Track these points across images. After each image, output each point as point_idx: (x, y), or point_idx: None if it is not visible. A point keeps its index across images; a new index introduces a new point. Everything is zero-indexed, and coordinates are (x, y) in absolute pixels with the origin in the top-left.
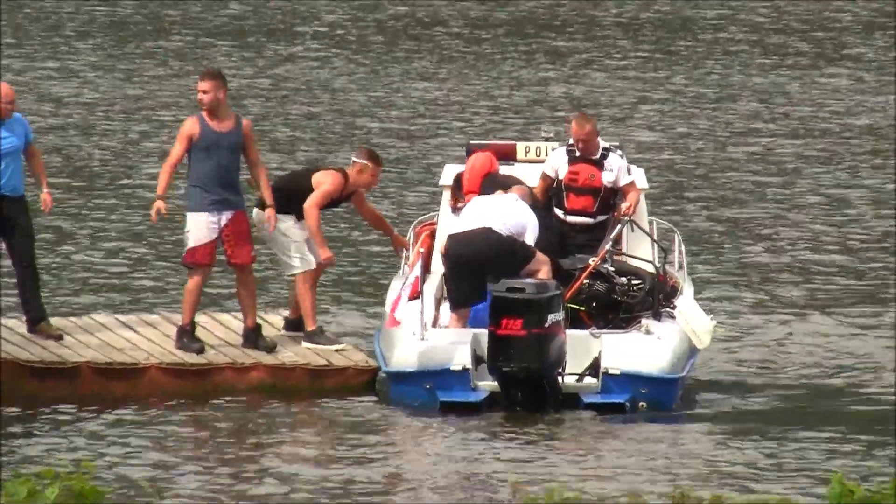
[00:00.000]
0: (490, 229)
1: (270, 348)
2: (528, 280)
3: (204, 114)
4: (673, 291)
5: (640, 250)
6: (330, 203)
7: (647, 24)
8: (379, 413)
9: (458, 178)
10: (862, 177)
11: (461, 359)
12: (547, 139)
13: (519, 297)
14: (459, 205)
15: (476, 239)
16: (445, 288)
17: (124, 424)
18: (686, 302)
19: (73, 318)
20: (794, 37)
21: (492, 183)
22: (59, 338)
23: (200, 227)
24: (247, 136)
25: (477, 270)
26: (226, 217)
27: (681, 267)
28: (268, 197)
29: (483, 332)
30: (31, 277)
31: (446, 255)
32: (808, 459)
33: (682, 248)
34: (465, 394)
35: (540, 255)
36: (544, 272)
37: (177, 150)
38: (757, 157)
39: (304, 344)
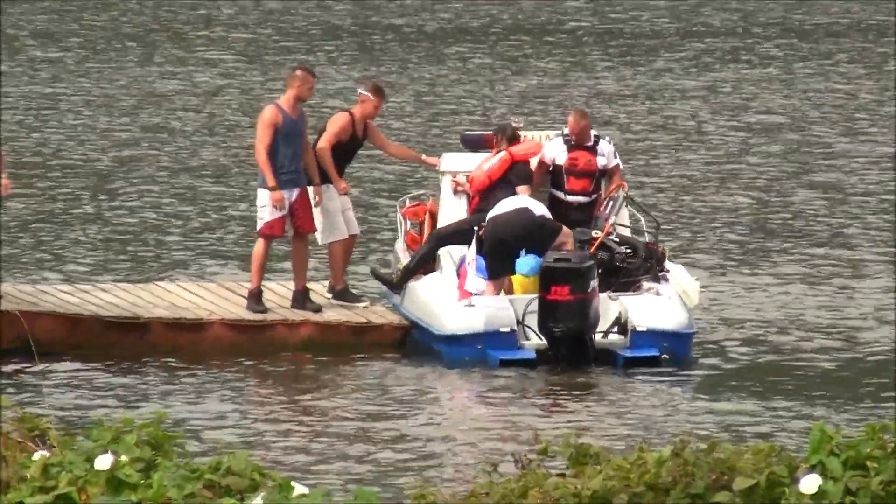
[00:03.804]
0: (527, 208)
1: (317, 309)
2: (571, 252)
3: (282, 104)
4: (663, 258)
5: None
6: (347, 143)
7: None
8: (412, 368)
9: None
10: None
11: (508, 322)
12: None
13: (565, 265)
14: (459, 188)
15: (515, 218)
16: (485, 262)
17: (189, 376)
18: (675, 266)
19: (140, 284)
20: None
21: (521, 168)
22: None
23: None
24: (305, 123)
25: (513, 248)
26: (295, 193)
27: None
28: (314, 177)
29: (519, 298)
30: None
31: (488, 236)
32: (798, 412)
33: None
34: (519, 352)
35: (565, 229)
36: (570, 244)
37: (267, 137)
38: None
39: (333, 301)
